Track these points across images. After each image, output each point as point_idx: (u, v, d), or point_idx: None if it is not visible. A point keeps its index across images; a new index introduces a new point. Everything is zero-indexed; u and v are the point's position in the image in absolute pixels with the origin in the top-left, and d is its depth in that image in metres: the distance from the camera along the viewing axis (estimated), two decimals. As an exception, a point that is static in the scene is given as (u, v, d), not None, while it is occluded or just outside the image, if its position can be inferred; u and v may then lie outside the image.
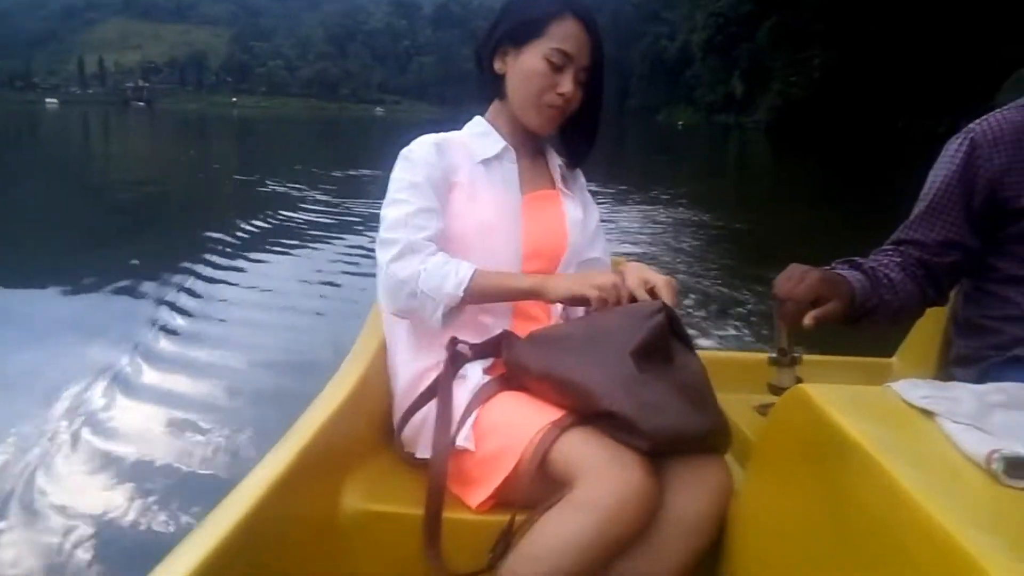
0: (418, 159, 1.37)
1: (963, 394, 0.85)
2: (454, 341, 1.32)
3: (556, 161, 1.52)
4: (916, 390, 0.88)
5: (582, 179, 1.57)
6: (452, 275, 1.25)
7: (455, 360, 1.31)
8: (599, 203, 1.61)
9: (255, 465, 1.06)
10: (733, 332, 4.19)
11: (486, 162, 1.42)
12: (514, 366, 1.26)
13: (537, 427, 1.14)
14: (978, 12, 20.68)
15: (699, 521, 1.10)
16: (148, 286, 4.82)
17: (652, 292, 1.25)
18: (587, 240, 1.49)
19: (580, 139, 1.49)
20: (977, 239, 1.40)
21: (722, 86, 51.16)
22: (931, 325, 1.65)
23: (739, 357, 2.08)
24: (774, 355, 1.37)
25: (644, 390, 1.09)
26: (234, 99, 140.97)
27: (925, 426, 0.81)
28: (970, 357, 1.45)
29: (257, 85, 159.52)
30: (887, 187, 11.86)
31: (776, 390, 1.35)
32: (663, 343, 1.18)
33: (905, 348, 1.84)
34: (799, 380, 1.35)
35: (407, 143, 1.42)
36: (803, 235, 7.67)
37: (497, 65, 1.41)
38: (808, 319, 1.25)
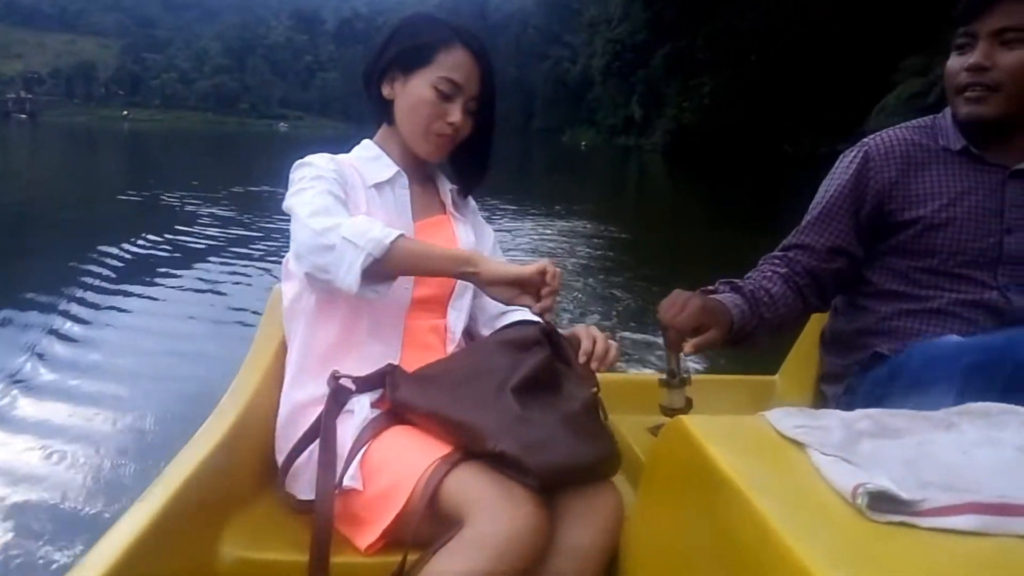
0: (319, 165, 1.33)
1: (833, 422, 0.88)
2: (336, 376, 1.27)
3: (447, 186, 1.50)
4: (789, 419, 0.90)
5: (473, 204, 1.56)
6: (376, 229, 1.17)
7: (338, 396, 1.25)
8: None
9: (125, 510, 1.00)
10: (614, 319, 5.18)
11: (378, 187, 1.39)
12: (399, 405, 1.23)
13: (426, 463, 1.11)
14: (852, 44, 22.22)
15: (592, 550, 1.10)
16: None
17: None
18: None
19: (472, 167, 1.48)
20: (862, 248, 1.49)
21: (622, 109, 52.66)
22: (810, 344, 1.74)
23: (632, 378, 2.13)
24: (664, 377, 1.40)
25: (528, 427, 1.09)
26: (125, 112, 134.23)
27: (796, 458, 0.83)
28: (838, 374, 1.54)
29: (150, 98, 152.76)
30: (772, 204, 13.17)
31: (667, 411, 1.39)
32: (546, 375, 1.19)
33: (786, 366, 1.93)
34: (689, 400, 1.40)
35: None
36: (693, 246, 8.74)
37: (385, 91, 1.39)
38: (688, 347, 1.33)
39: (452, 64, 1.34)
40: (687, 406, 1.40)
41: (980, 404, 0.90)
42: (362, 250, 1.15)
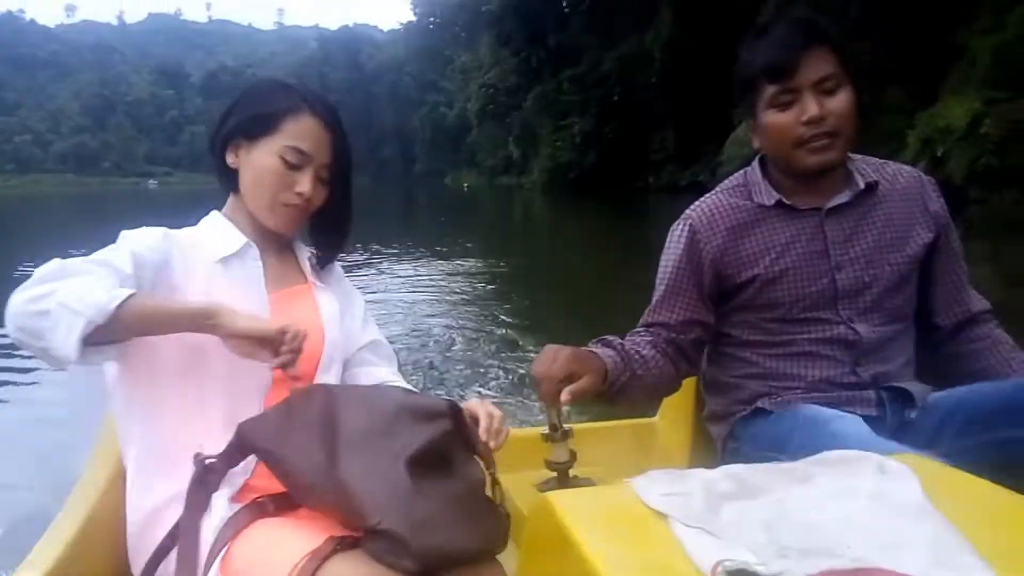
0: (135, 237, 1.22)
1: (695, 485, 0.87)
2: (199, 457, 1.14)
3: (305, 254, 1.42)
4: (653, 487, 0.89)
5: (338, 270, 1.48)
6: (102, 290, 1.05)
7: (203, 481, 1.13)
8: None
9: None
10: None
11: (225, 261, 1.28)
12: (271, 462, 1.12)
13: (293, 560, 1.01)
14: (703, 79, 23.86)
15: None
16: None
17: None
18: (356, 329, 1.41)
19: (330, 235, 1.41)
20: (712, 314, 1.54)
21: (501, 150, 53.72)
22: (686, 385, 1.76)
23: (519, 434, 2.09)
24: (546, 431, 1.38)
25: (417, 505, 1.01)
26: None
27: (659, 532, 0.82)
28: (720, 413, 1.58)
29: (3, 163, 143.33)
30: (638, 229, 14.90)
31: (553, 466, 1.37)
32: (447, 451, 1.11)
33: (664, 408, 1.95)
34: (574, 453, 1.38)
35: (188, 215, 1.30)
36: (569, 272, 9.51)
37: (230, 159, 1.32)
38: (564, 395, 1.31)
39: (299, 132, 1.28)
40: (572, 459, 1.38)
41: (837, 452, 0.91)
42: (81, 315, 1.02)
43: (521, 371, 4.80)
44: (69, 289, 1.04)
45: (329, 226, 1.41)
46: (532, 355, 5.37)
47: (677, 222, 1.57)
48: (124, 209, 34.01)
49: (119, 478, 1.27)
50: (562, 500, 0.90)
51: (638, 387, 1.45)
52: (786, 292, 1.45)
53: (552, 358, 1.33)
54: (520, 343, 5.56)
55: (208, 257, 1.28)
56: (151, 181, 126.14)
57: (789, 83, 1.38)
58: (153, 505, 1.18)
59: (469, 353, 5.43)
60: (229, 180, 1.34)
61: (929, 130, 12.65)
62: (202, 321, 1.11)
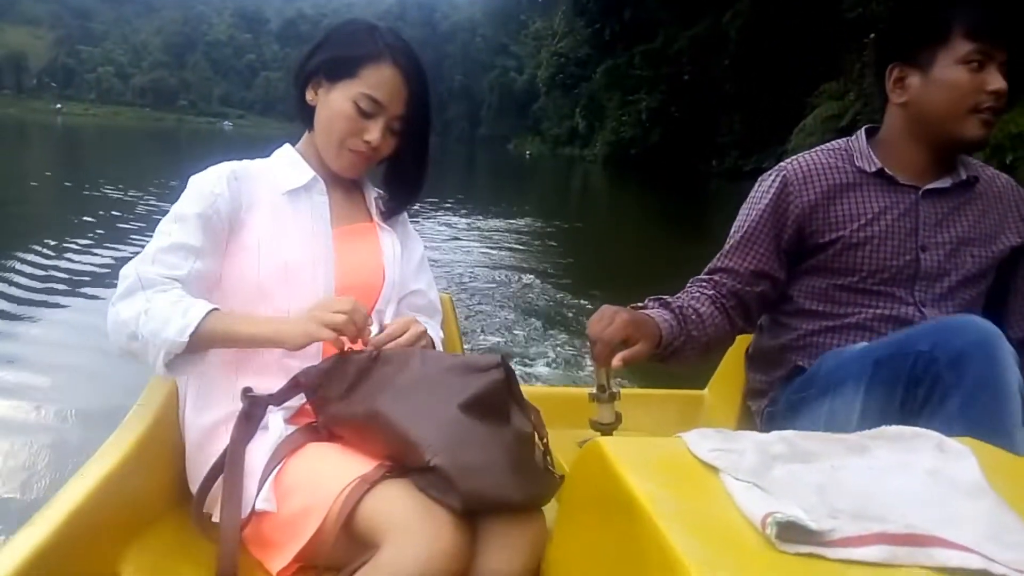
0: (203, 189, 1.25)
1: (747, 445, 0.86)
2: (248, 392, 1.19)
3: (373, 194, 1.43)
4: (705, 442, 0.89)
5: (404, 215, 1.49)
6: (178, 318, 1.12)
7: (250, 416, 1.18)
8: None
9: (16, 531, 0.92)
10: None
11: (293, 193, 1.31)
12: (329, 417, 1.16)
13: (344, 482, 1.05)
14: (777, 69, 23.22)
15: (513, 573, 1.05)
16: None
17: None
18: (408, 274, 1.42)
19: (401, 186, 1.42)
20: (783, 271, 1.51)
21: (567, 120, 53.15)
22: (737, 359, 1.75)
23: (564, 392, 2.12)
24: (594, 391, 1.37)
25: (468, 449, 1.03)
26: (59, 105, 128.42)
27: (709, 483, 0.81)
28: (761, 390, 1.55)
29: (85, 92, 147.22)
30: (698, 212, 15.39)
31: (597, 426, 1.36)
32: (497, 401, 1.12)
33: (714, 381, 1.95)
34: (619, 415, 1.37)
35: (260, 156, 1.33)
36: (629, 247, 9.51)
37: (309, 95, 1.33)
38: (616, 360, 1.30)
39: (377, 81, 1.28)
40: (617, 421, 1.37)
41: (894, 428, 0.90)
42: (159, 349, 1.12)
43: (557, 316, 5.00)
44: (149, 318, 1.12)
45: (401, 178, 1.42)
46: (571, 305, 5.47)
47: (770, 172, 1.54)
48: (201, 147, 34.75)
49: (175, 397, 1.32)
50: (612, 445, 0.90)
51: (691, 348, 1.44)
52: (866, 260, 1.43)
53: (609, 320, 1.32)
54: (561, 294, 5.78)
55: (275, 189, 1.31)
56: (226, 122, 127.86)
57: (991, 48, 1.33)
58: (212, 422, 1.23)
59: (517, 299, 5.67)
60: (306, 116, 1.36)
61: (1000, 136, 12.19)
62: (270, 344, 1.18)
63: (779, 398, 1.47)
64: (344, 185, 1.41)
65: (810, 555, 0.67)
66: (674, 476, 0.83)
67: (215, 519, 1.16)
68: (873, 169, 1.45)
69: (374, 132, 1.29)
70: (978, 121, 1.35)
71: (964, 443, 0.85)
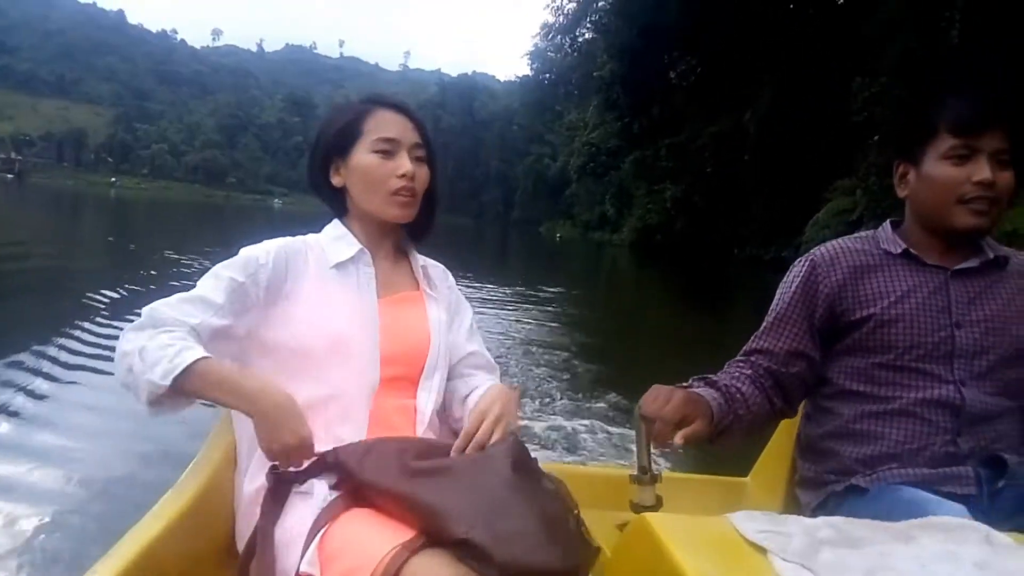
0: (248, 257, 1.31)
1: (795, 528, 0.87)
2: (274, 470, 1.20)
3: (419, 262, 1.47)
4: (752, 523, 0.89)
5: (451, 279, 1.53)
6: (166, 360, 1.13)
7: (276, 493, 1.19)
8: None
9: None
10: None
11: (340, 266, 1.36)
12: (364, 485, 1.18)
13: (386, 548, 1.05)
14: (795, 166, 23.79)
15: None
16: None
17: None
18: (461, 338, 1.45)
19: (420, 215, 1.43)
20: (818, 351, 1.51)
21: (598, 206, 54.05)
22: (781, 446, 1.73)
23: (603, 472, 2.10)
24: (635, 473, 1.36)
25: (502, 518, 1.04)
26: (113, 179, 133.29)
27: (758, 563, 0.82)
28: (812, 480, 1.53)
29: (139, 167, 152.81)
30: (720, 297, 15.67)
31: (637, 508, 1.35)
32: (523, 467, 1.14)
33: (758, 468, 1.91)
34: (660, 498, 1.36)
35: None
36: (656, 330, 9.34)
37: (335, 180, 1.40)
38: (678, 438, 1.30)
39: (380, 124, 1.36)
40: (657, 504, 1.36)
41: (940, 519, 0.89)
42: (142, 389, 1.14)
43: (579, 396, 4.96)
44: (143, 355, 1.15)
45: (427, 205, 1.44)
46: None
47: (800, 259, 1.57)
48: (250, 223, 35.70)
49: (231, 461, 1.34)
50: (660, 522, 0.90)
51: (738, 428, 1.44)
52: (901, 336, 1.42)
53: (665, 399, 1.32)
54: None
55: (324, 263, 1.36)
56: (276, 200, 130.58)
57: (973, 141, 1.38)
58: (256, 488, 1.24)
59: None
60: (339, 202, 1.43)
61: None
62: (243, 410, 1.17)
63: (835, 510, 1.40)
64: (391, 256, 1.45)
65: None
66: (722, 555, 0.84)
67: None
68: (899, 251, 1.48)
69: (404, 162, 1.35)
70: (967, 211, 1.39)
71: (1013, 538, 0.85)
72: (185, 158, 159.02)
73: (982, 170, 1.37)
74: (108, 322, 5.84)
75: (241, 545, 1.23)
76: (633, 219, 39.77)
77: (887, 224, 1.55)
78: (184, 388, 1.14)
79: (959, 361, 1.39)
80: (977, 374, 1.39)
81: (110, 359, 1.23)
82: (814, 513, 1.45)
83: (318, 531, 1.13)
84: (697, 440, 1.32)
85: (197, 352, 1.15)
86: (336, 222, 1.44)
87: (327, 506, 1.17)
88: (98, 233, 17.81)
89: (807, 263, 1.53)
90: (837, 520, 0.89)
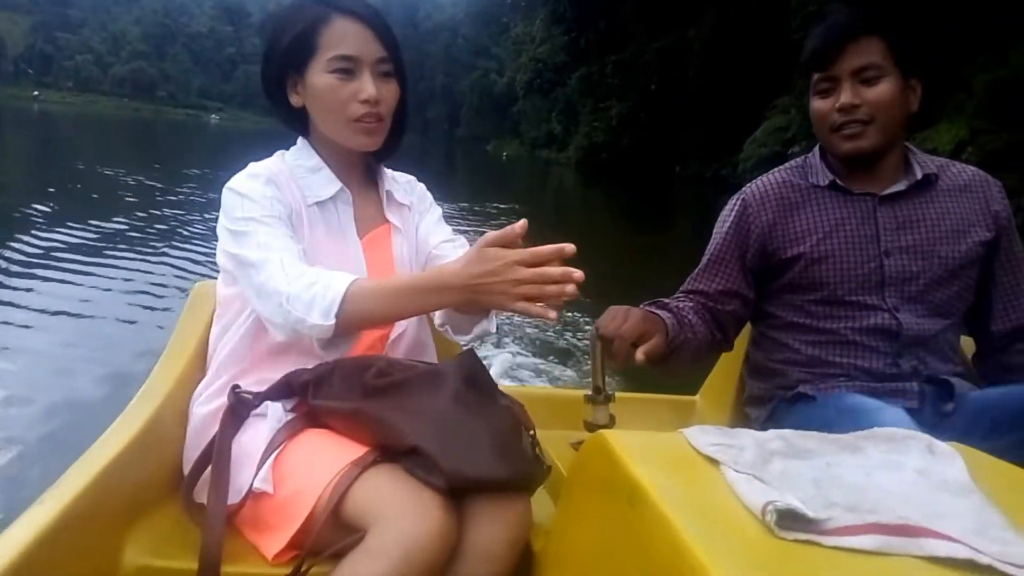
0: (254, 194, 1.21)
1: (746, 441, 0.89)
2: (236, 389, 1.18)
3: (386, 186, 1.39)
4: (705, 437, 0.91)
5: (418, 188, 1.45)
6: (319, 300, 1.09)
7: (235, 411, 1.17)
8: (444, 216, 1.51)
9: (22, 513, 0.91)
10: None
11: (321, 205, 1.27)
12: (318, 410, 1.17)
13: (336, 468, 1.06)
14: (736, 84, 23.90)
15: (501, 553, 1.07)
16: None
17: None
18: (429, 240, 1.41)
19: (387, 137, 1.32)
20: (752, 290, 1.54)
21: (545, 124, 53.37)
22: (729, 366, 1.79)
23: (558, 393, 2.15)
24: (590, 393, 1.38)
25: (452, 431, 1.05)
26: (36, 92, 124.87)
27: (710, 475, 0.83)
28: (761, 397, 1.59)
29: (63, 79, 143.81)
30: (665, 215, 16.17)
31: (591, 427, 1.37)
32: (478, 384, 1.15)
33: (707, 387, 1.98)
34: (613, 417, 1.38)
35: (253, 152, 1.29)
36: (603, 245, 9.45)
37: (293, 100, 1.27)
38: (639, 354, 1.31)
39: (337, 38, 1.20)
40: (611, 422, 1.38)
41: (885, 429, 0.92)
42: (313, 338, 1.13)
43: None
44: (292, 307, 1.11)
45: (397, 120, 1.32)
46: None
47: (732, 197, 1.59)
48: (194, 139, 34.13)
49: (182, 384, 1.32)
50: (616, 437, 0.91)
51: (687, 350, 1.46)
52: (832, 272, 1.45)
53: (624, 318, 1.33)
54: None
55: (304, 199, 1.27)
56: (213, 116, 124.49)
57: (829, 72, 1.42)
58: (211, 411, 1.23)
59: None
60: (301, 121, 1.31)
61: (919, 150, 12.90)
62: (432, 294, 1.09)
63: (782, 420, 1.47)
64: (362, 186, 1.37)
65: (807, 542, 0.69)
66: (677, 467, 0.85)
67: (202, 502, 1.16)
68: (825, 182, 1.49)
69: (366, 85, 1.21)
70: (840, 137, 1.43)
71: (952, 447, 0.88)
72: (111, 70, 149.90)
73: (841, 96, 1.39)
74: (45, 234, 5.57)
75: (187, 467, 1.22)
76: (580, 137, 39.51)
77: (816, 151, 1.55)
78: (350, 321, 1.11)
79: (890, 289, 1.43)
80: (909, 299, 1.43)
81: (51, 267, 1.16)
82: (763, 426, 1.51)
83: (274, 450, 1.13)
84: (655, 356, 1.33)
85: (344, 278, 1.11)
86: (305, 146, 1.33)
87: (283, 426, 1.16)
88: (25, 149, 16.82)
89: (738, 203, 1.55)
90: (787, 432, 0.91)
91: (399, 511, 0.99)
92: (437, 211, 1.47)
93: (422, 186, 1.48)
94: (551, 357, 4.34)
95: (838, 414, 1.32)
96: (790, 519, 0.71)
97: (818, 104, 1.45)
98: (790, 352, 1.52)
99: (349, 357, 1.21)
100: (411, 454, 1.04)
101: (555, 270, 0.99)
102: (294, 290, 1.11)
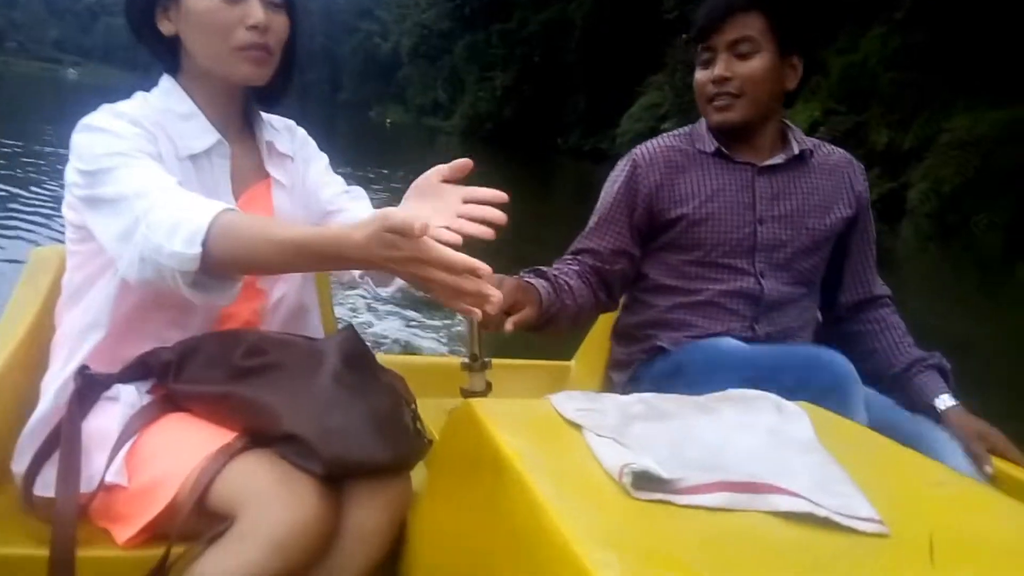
0: (120, 130, 1.05)
1: (609, 405, 0.89)
2: (84, 370, 1.06)
3: (266, 135, 1.24)
4: (571, 403, 0.90)
5: (299, 133, 1.32)
6: (184, 224, 0.92)
7: (84, 395, 1.05)
8: None
9: None
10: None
11: (195, 159, 1.12)
12: (179, 393, 1.06)
13: (202, 454, 0.97)
14: (615, 55, 24.48)
15: (378, 532, 1.02)
16: None
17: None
18: (320, 195, 1.30)
19: (274, 76, 1.16)
20: (639, 249, 1.57)
21: (431, 91, 52.41)
22: (603, 331, 1.81)
23: (435, 362, 2.12)
24: (466, 360, 1.36)
25: (330, 413, 0.97)
26: None
27: (573, 440, 0.83)
28: (624, 362, 1.62)
29: None
30: (547, 185, 16.42)
31: (468, 394, 1.35)
32: (356, 363, 1.07)
33: (581, 352, 2.00)
34: (489, 384, 1.37)
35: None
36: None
37: (164, 27, 1.11)
38: (509, 324, 1.28)
39: None
40: (487, 389, 1.37)
41: (739, 391, 0.95)
42: (173, 270, 0.93)
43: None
44: (151, 232, 0.94)
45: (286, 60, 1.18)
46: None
47: (623, 158, 1.61)
48: (57, 95, 31.10)
49: (25, 356, 1.18)
50: (482, 407, 0.90)
51: (564, 317, 1.47)
52: (710, 234, 1.50)
53: (496, 286, 1.30)
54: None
55: (173, 149, 1.12)
56: (71, 70, 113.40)
57: (708, 43, 1.45)
58: (55, 397, 1.08)
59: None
60: (171, 55, 1.14)
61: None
62: (332, 252, 0.90)
63: (642, 377, 1.52)
64: (239, 134, 1.22)
65: (661, 501, 0.71)
66: (541, 434, 0.85)
67: (37, 492, 1.04)
68: (711, 149, 1.53)
69: (255, 9, 1.08)
70: (712, 109, 1.48)
71: (801, 406, 0.92)
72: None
73: (715, 68, 1.43)
74: None
75: (20, 463, 1.07)
76: (465, 106, 39.21)
77: (703, 119, 1.59)
78: (222, 252, 0.91)
79: (760, 255, 1.49)
80: (775, 266, 1.50)
81: None
82: (625, 390, 1.56)
83: (128, 438, 1.02)
84: (526, 326, 1.32)
85: (220, 205, 0.94)
86: (175, 87, 1.15)
87: (138, 412, 1.06)
88: None
89: (629, 163, 1.57)
90: (648, 396, 0.93)
91: (271, 497, 0.93)
92: (323, 159, 1.35)
93: (303, 131, 1.34)
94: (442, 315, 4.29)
95: (689, 356, 1.40)
96: (645, 480, 0.71)
97: (698, 75, 1.49)
98: (655, 314, 1.55)
99: (214, 334, 1.12)
100: (286, 440, 0.97)
101: (468, 286, 0.85)
102: (156, 217, 0.94)
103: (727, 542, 0.66)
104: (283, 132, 1.29)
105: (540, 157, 25.81)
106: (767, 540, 0.67)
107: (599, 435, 0.81)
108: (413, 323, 4.25)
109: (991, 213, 11.18)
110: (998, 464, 1.29)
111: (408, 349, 3.91)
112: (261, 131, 1.25)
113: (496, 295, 0.86)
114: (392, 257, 0.84)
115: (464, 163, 1.00)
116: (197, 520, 0.94)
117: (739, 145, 1.52)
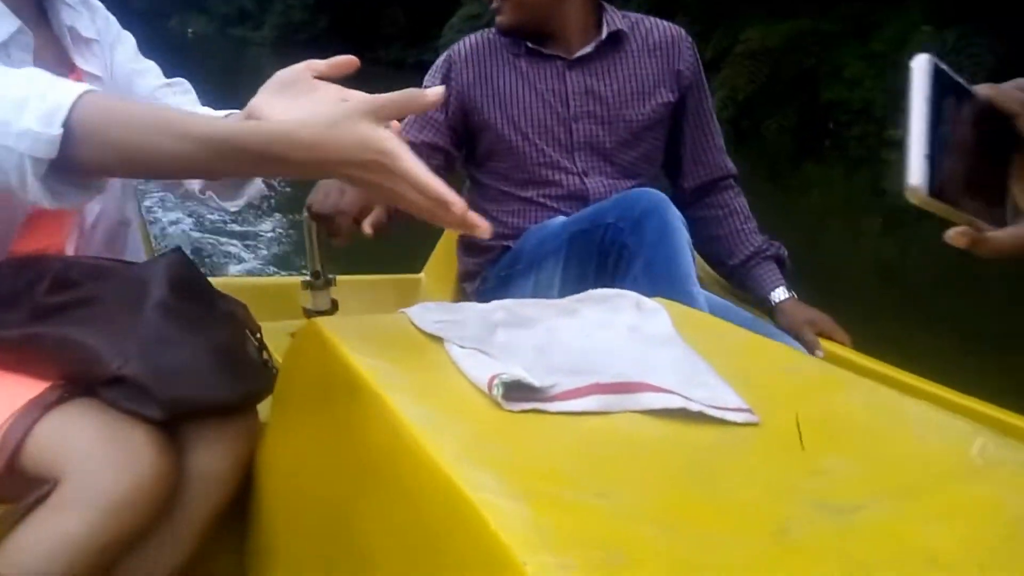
0: None
1: (470, 315, 0.83)
2: None
3: (66, 19, 1.01)
4: (429, 315, 0.83)
5: (100, 11, 1.10)
6: (35, 100, 0.69)
7: None
8: None
9: None
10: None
11: None
12: None
13: (6, 411, 0.81)
14: None
15: (224, 473, 0.91)
16: None
17: None
18: (135, 83, 1.11)
19: None
20: (456, 149, 1.51)
21: (237, -1, 47.70)
22: (451, 242, 1.74)
23: (276, 282, 1.98)
24: (308, 278, 1.25)
25: (166, 351, 0.84)
26: None
27: (435, 354, 0.76)
28: (473, 272, 1.58)
29: None
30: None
31: (311, 313, 1.25)
32: (190, 292, 0.92)
33: (430, 264, 1.92)
34: (335, 302, 1.27)
35: None
36: None
37: None
38: (367, 227, 1.15)
39: None
40: (333, 308, 1.27)
41: (599, 291, 0.93)
42: (22, 155, 0.69)
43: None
44: None
45: None
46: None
47: (442, 54, 1.55)
48: None
49: None
50: (330, 325, 0.81)
51: (405, 216, 1.39)
52: (526, 139, 1.46)
53: (340, 192, 1.16)
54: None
55: None
56: None
57: None
58: None
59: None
60: None
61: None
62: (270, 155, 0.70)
63: (489, 276, 1.50)
64: (39, 18, 0.99)
65: (534, 411, 0.66)
66: (398, 350, 0.77)
67: None
68: (521, 48, 1.48)
69: None
70: (494, 12, 1.48)
71: (657, 302, 0.91)
72: None
73: None
74: None
75: None
76: (275, 15, 36.18)
77: None
78: (94, 140, 0.69)
79: (579, 153, 1.46)
80: (597, 163, 1.48)
81: None
82: (479, 298, 1.51)
83: None
84: (384, 227, 1.19)
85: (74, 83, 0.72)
86: None
87: None
88: None
89: (445, 60, 1.52)
90: (509, 302, 0.88)
91: (99, 457, 0.79)
92: (130, 40, 1.13)
93: (102, 6, 1.11)
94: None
95: (532, 245, 1.38)
96: (516, 390, 0.67)
97: None
98: (497, 224, 1.51)
99: (7, 263, 0.92)
100: (113, 384, 0.82)
101: (446, 216, 0.72)
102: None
103: (603, 446, 0.63)
104: (82, 12, 1.06)
105: (363, 70, 24.83)
106: (643, 440, 0.64)
107: (462, 347, 0.75)
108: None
109: (780, 118, 12.15)
110: (827, 346, 1.38)
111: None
112: (58, 14, 1.01)
113: (485, 224, 0.72)
114: (362, 160, 0.70)
115: (349, 60, 0.88)
116: (11, 484, 0.79)
117: (547, 40, 1.47)
